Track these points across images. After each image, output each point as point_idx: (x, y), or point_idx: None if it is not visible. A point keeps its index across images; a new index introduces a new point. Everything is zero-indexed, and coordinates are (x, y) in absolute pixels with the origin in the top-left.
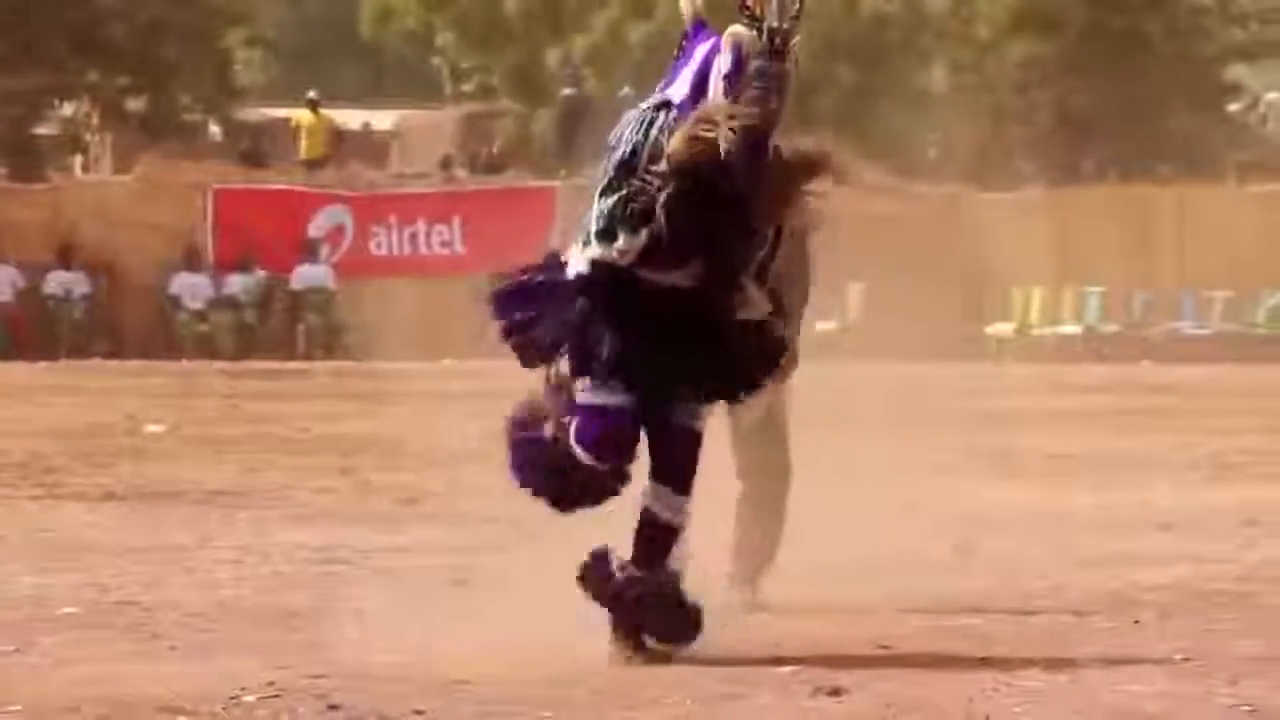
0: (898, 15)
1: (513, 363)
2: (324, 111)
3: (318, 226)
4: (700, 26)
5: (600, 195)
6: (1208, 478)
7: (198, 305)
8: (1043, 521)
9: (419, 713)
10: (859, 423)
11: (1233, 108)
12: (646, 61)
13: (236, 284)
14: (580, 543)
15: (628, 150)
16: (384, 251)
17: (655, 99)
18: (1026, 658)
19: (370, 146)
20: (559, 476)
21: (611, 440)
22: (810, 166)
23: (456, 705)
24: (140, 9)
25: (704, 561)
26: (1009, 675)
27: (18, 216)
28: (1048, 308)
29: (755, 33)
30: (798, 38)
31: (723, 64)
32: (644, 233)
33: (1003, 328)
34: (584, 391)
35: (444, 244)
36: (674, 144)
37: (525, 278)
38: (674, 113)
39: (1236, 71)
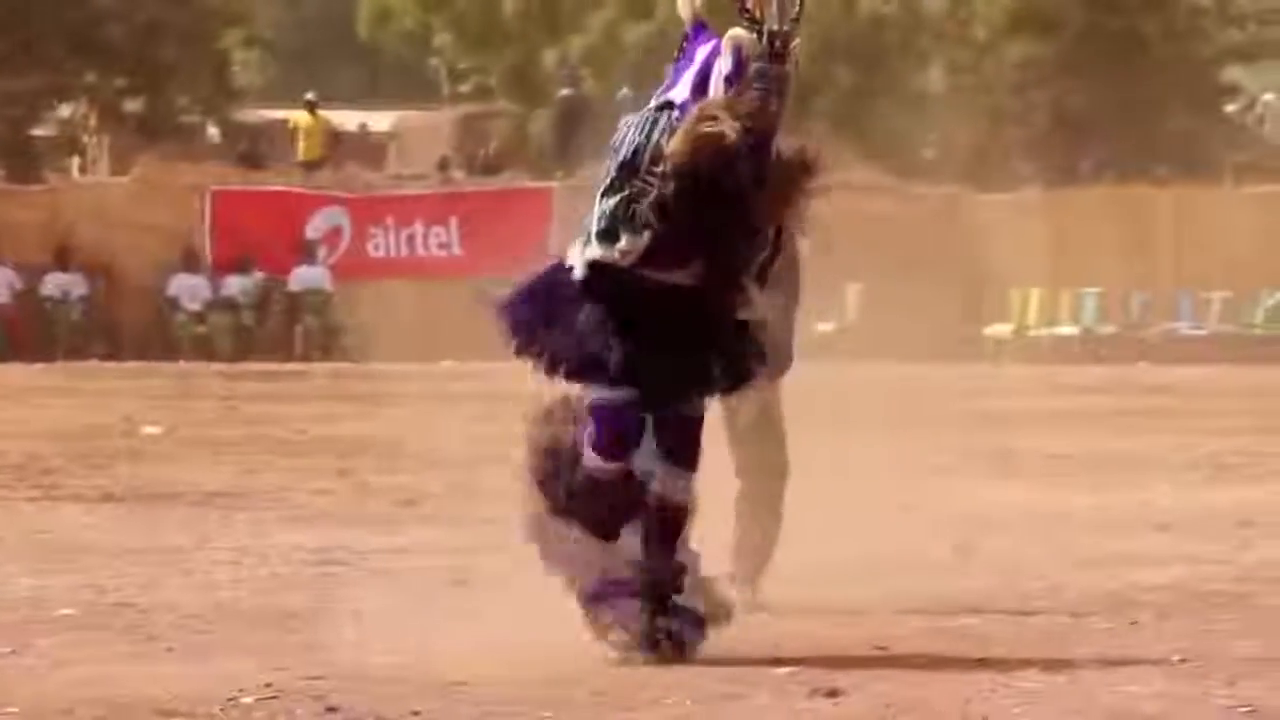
0: (895, 16)
1: (511, 364)
2: (321, 113)
3: (315, 228)
4: (700, 28)
5: (602, 196)
6: (1205, 478)
7: (195, 307)
8: (1041, 522)
9: (417, 714)
10: (857, 423)
11: (1230, 109)
12: (643, 62)
13: (234, 285)
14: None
15: (629, 151)
16: (381, 253)
17: (657, 101)
18: (1024, 658)
19: (368, 148)
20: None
21: (623, 439)
22: (809, 167)
23: (455, 706)
24: (138, 10)
25: (704, 562)
26: (1006, 676)
27: (15, 218)
28: (1045, 309)
29: (755, 35)
30: (798, 40)
31: (723, 66)
32: (646, 234)
33: (1000, 329)
34: (593, 391)
35: (441, 245)
36: (674, 143)
37: (530, 284)
38: (676, 114)
39: (1234, 73)
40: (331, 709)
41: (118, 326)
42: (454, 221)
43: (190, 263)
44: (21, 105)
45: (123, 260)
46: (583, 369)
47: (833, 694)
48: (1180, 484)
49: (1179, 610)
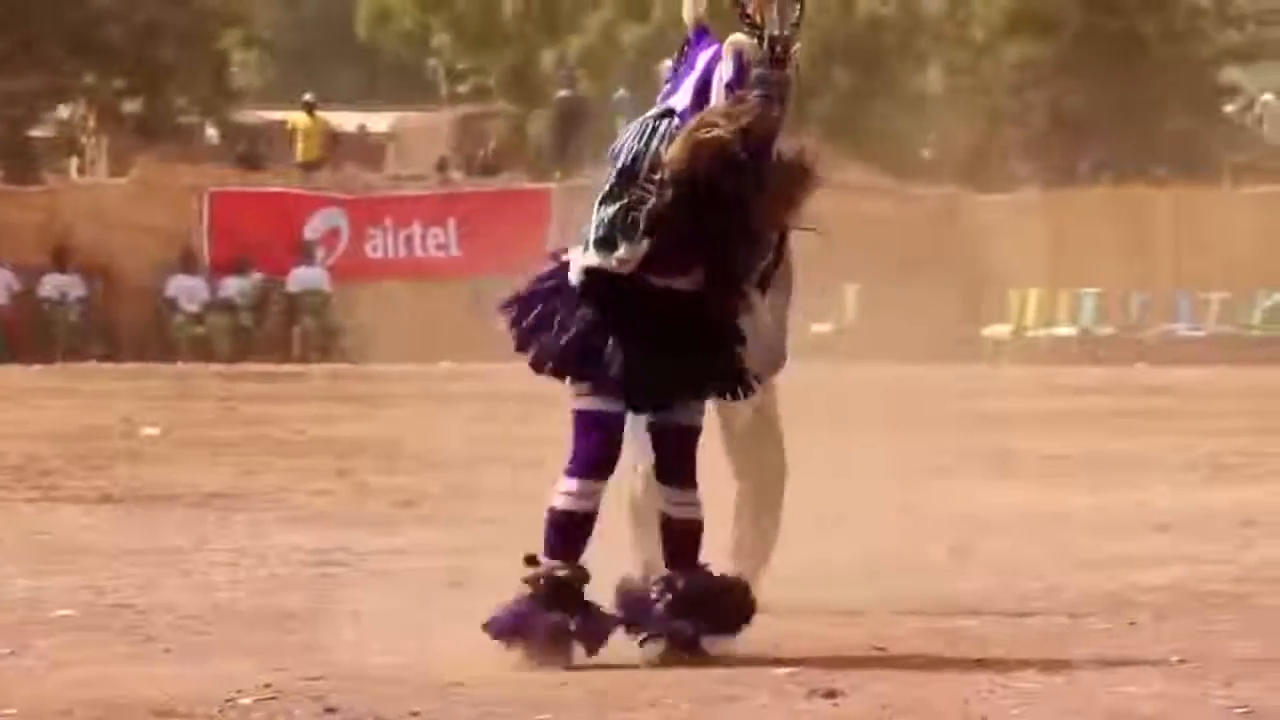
0: (893, 18)
1: (509, 365)
2: (320, 114)
3: (313, 229)
4: (702, 33)
5: (600, 204)
6: (1204, 479)
7: (193, 308)
8: (1039, 523)
9: (416, 714)
10: (855, 424)
11: (1229, 109)
12: (641, 63)
13: (232, 287)
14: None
15: (629, 159)
16: (380, 254)
17: (658, 108)
18: (1022, 659)
19: (366, 149)
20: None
21: (605, 457)
22: (809, 171)
23: (453, 707)
24: (136, 11)
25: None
26: (1005, 676)
27: (13, 219)
28: (1044, 309)
29: (756, 40)
30: (798, 45)
31: (725, 72)
32: (644, 242)
33: (999, 329)
34: (581, 397)
35: (440, 246)
36: (673, 150)
37: (536, 284)
38: (676, 121)
39: (1232, 73)
40: (330, 710)
41: (116, 327)
42: (452, 222)
43: (188, 264)
44: (20, 106)
45: (121, 261)
46: (578, 368)
47: (831, 695)
48: (1179, 484)
49: (1177, 611)
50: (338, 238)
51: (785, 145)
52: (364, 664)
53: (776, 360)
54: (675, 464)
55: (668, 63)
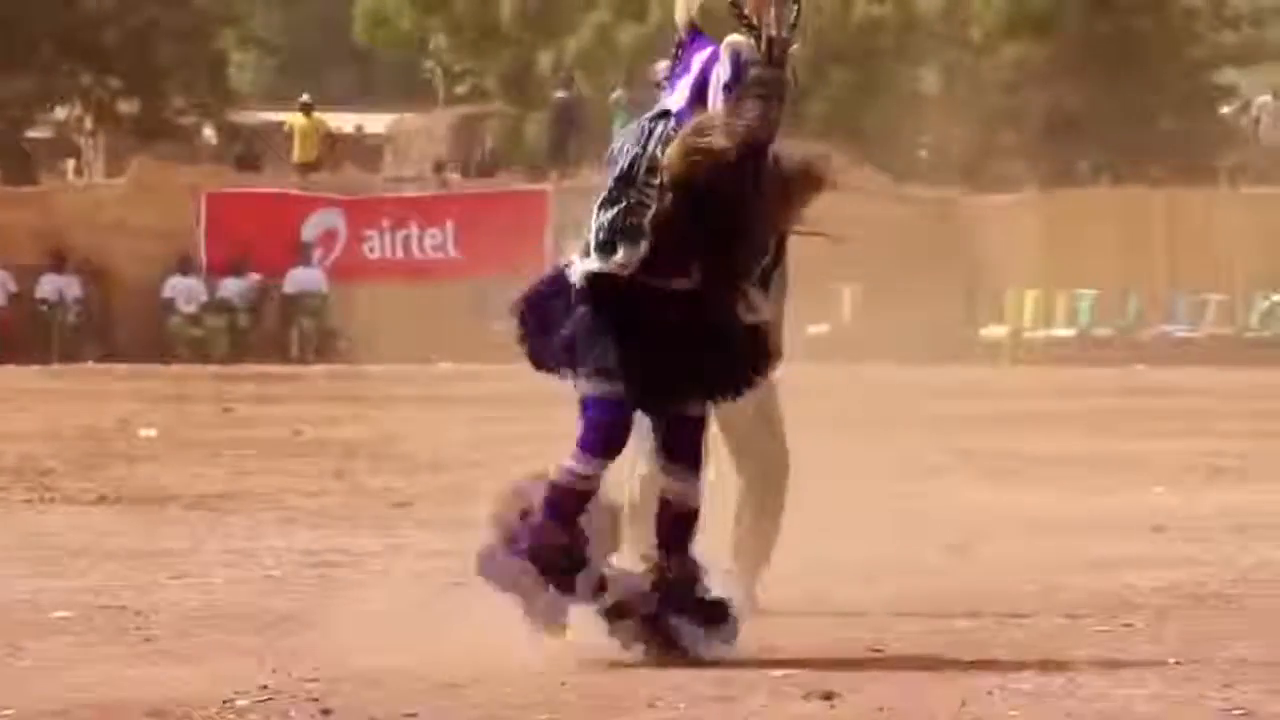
0: (891, 18)
1: (507, 366)
2: (317, 115)
3: (311, 230)
4: (697, 34)
5: (599, 208)
6: (1201, 480)
7: (191, 309)
8: (1036, 524)
9: (412, 716)
10: (852, 425)
11: (1225, 111)
12: (637, 64)
13: (229, 288)
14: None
15: (626, 162)
16: (377, 255)
17: (654, 110)
18: (1019, 661)
19: (363, 150)
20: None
21: (615, 439)
22: (811, 173)
23: (451, 708)
24: (133, 12)
25: (706, 560)
26: (1002, 678)
27: (10, 220)
28: (1041, 311)
29: (753, 42)
30: (796, 46)
31: (722, 74)
32: (643, 245)
33: (996, 330)
34: (587, 382)
35: (437, 247)
36: (668, 156)
37: (542, 285)
38: (672, 123)
39: (1228, 75)
40: (327, 711)
41: (113, 328)
42: (449, 223)
43: (185, 265)
44: (16, 107)
45: (118, 262)
46: (579, 362)
47: (828, 696)
48: (1176, 486)
49: (1175, 612)
50: (335, 239)
51: (785, 148)
52: (361, 665)
53: (775, 356)
54: (680, 448)
55: (664, 63)
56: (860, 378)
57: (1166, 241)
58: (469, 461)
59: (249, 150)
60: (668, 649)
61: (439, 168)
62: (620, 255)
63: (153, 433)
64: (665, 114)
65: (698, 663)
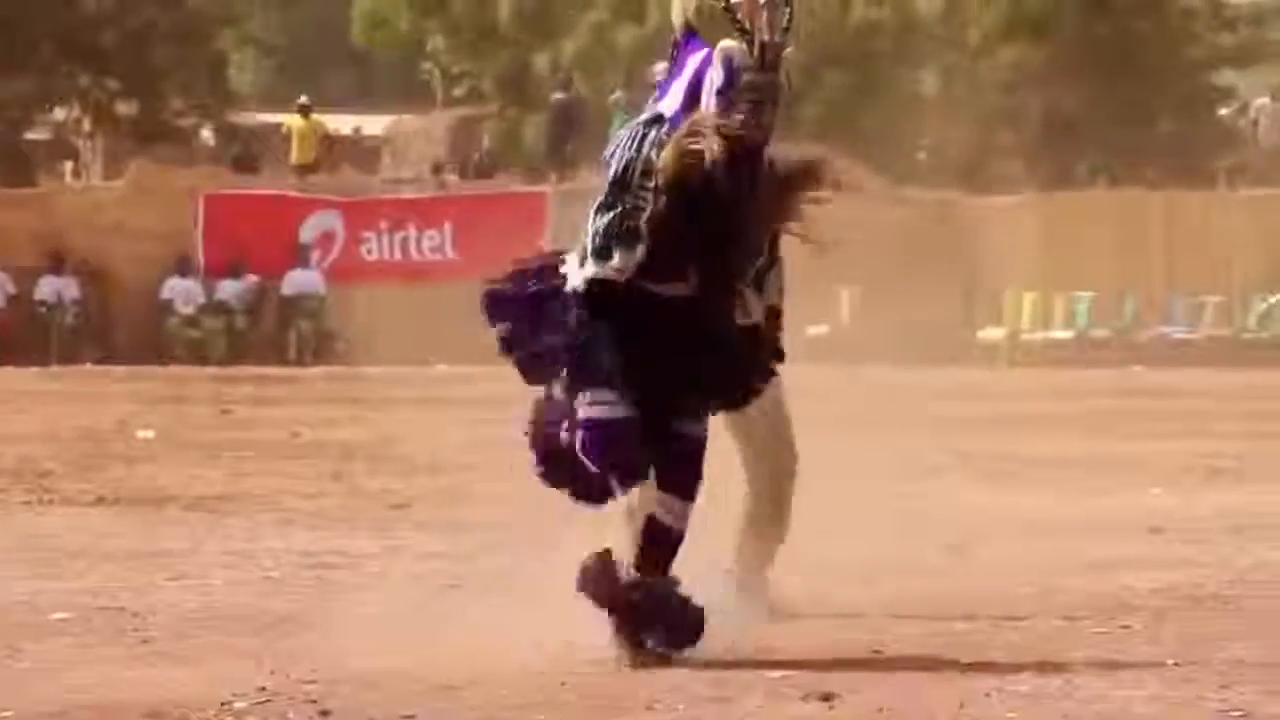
0: (889, 20)
1: (505, 368)
2: (315, 116)
3: (309, 232)
4: (691, 36)
5: (595, 213)
6: (1199, 482)
7: (189, 310)
8: (1034, 526)
9: (410, 717)
10: (851, 426)
11: (1223, 112)
12: (636, 66)
13: (228, 289)
14: (573, 547)
15: (620, 167)
16: (375, 256)
17: (648, 114)
18: (1018, 662)
19: (361, 151)
20: (570, 474)
21: (619, 457)
22: (807, 176)
23: (448, 710)
24: (131, 13)
25: (707, 560)
26: (1000, 680)
27: (8, 221)
28: (1039, 312)
29: (746, 46)
30: (789, 49)
31: (715, 78)
32: (639, 249)
33: (994, 332)
34: (586, 405)
35: (435, 249)
36: (663, 159)
37: (521, 285)
38: (666, 127)
39: (1226, 76)
40: (325, 713)
41: (111, 330)
42: (448, 225)
43: (184, 266)
44: (15, 109)
45: (116, 264)
46: (574, 377)
47: (826, 698)
48: (1173, 488)
49: (1172, 614)
50: (333, 240)
51: (780, 150)
52: (359, 667)
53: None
54: (678, 474)
55: (662, 65)
56: (859, 379)
57: (1164, 243)
58: (466, 463)
59: (247, 152)
60: (635, 651)
61: (437, 169)
62: (617, 260)
63: (151, 434)
64: (659, 118)
65: (696, 664)
